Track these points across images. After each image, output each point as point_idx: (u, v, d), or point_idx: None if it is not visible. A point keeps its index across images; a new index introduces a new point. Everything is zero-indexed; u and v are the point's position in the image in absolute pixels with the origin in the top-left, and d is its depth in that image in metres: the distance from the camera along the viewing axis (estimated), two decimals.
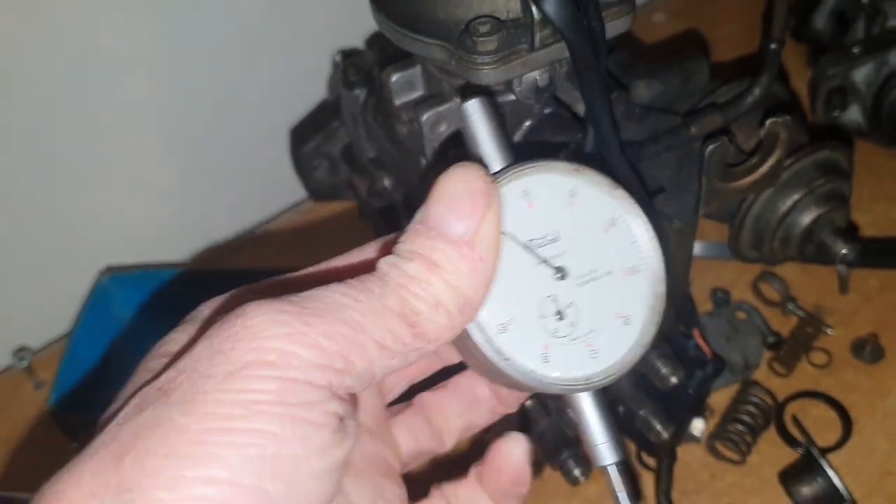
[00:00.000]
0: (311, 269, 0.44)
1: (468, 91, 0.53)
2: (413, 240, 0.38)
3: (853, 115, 0.88)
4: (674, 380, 0.68)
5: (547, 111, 0.59)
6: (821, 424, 0.81)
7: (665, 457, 0.78)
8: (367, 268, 0.39)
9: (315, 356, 0.35)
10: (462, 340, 0.41)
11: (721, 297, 0.88)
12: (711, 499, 0.77)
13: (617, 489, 0.45)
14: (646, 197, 0.56)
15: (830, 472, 0.72)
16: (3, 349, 0.88)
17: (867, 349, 0.84)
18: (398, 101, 0.66)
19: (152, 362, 0.39)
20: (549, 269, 0.41)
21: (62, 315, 0.91)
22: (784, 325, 0.87)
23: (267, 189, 0.98)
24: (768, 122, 0.56)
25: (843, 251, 0.72)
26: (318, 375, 0.35)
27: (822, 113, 0.88)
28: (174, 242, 0.97)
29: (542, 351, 0.40)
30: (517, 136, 0.60)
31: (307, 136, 0.88)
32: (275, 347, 0.34)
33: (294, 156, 0.90)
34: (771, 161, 0.58)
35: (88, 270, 0.91)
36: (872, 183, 0.95)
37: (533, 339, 0.40)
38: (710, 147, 0.55)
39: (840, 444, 0.79)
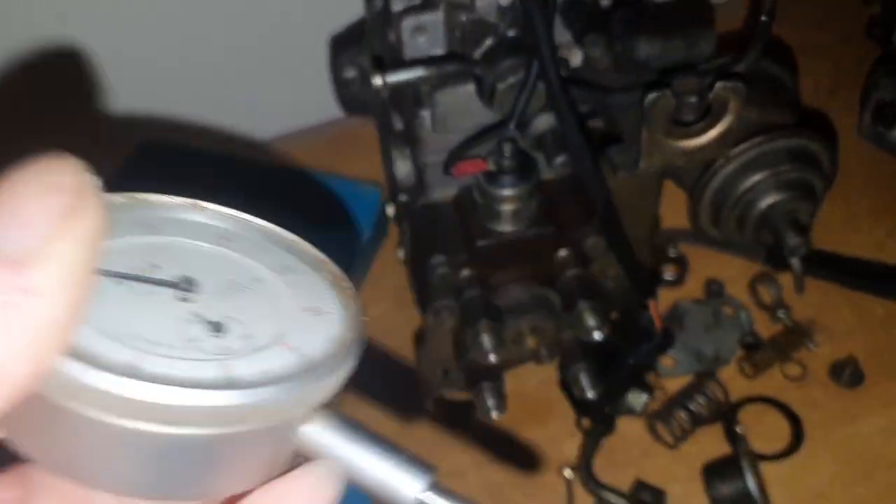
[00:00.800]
0: None
1: None
2: None
3: None
4: (596, 335, 0.68)
5: (511, 34, 0.60)
6: (772, 433, 0.79)
7: (598, 422, 0.78)
8: None
9: None
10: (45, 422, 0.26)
11: (714, 289, 0.87)
12: (634, 474, 0.77)
13: None
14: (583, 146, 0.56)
15: (749, 476, 0.70)
16: None
17: (846, 372, 0.81)
18: (395, 8, 0.68)
19: None
20: (170, 290, 0.31)
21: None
22: (770, 330, 0.85)
23: (305, 99, 1.01)
24: (717, 85, 0.55)
25: (793, 243, 0.69)
26: None
27: (868, 124, 0.84)
28: (212, 127, 1.02)
29: (222, 373, 0.28)
30: (477, 54, 0.61)
31: (346, 45, 0.91)
32: None
33: (330, 65, 0.93)
34: (720, 128, 0.57)
35: (123, 138, 0.97)
36: None
37: (197, 367, 0.28)
38: (651, 97, 0.55)
39: (782, 455, 0.77)
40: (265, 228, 0.36)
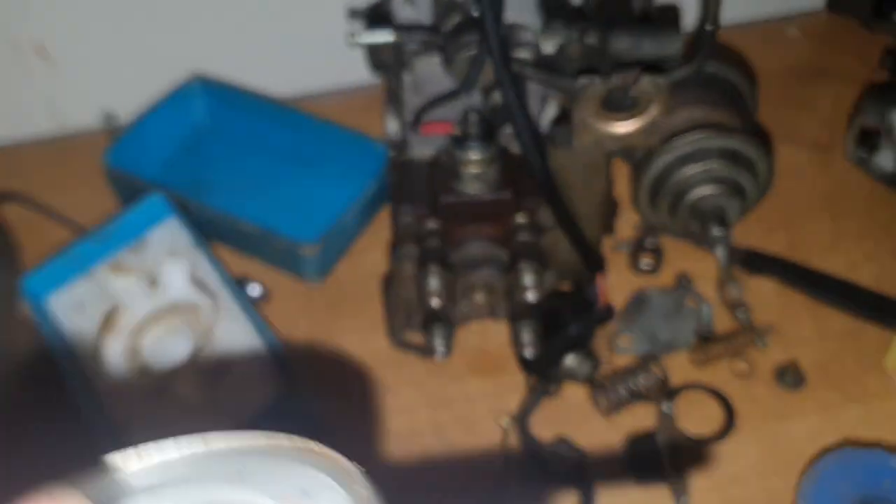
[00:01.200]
0: None
1: None
2: None
3: (884, 161, 0.88)
4: (531, 295, 0.75)
5: (474, 14, 0.67)
6: (706, 420, 0.84)
7: (541, 381, 0.85)
8: None
9: None
10: None
11: (683, 282, 0.92)
12: (567, 433, 0.83)
13: None
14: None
15: (662, 451, 0.76)
16: (95, 111, 1.08)
17: (789, 375, 0.85)
18: None
19: None
20: None
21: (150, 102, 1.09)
22: (728, 327, 0.90)
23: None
24: (643, 79, 0.61)
25: (716, 234, 0.74)
26: None
27: (851, 147, 0.87)
28: (268, 75, 1.11)
29: None
30: (446, 28, 0.69)
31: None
32: None
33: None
34: (645, 118, 0.63)
35: (178, 70, 1.07)
36: (888, 240, 0.94)
37: None
38: (581, 81, 0.61)
39: (710, 439, 0.82)
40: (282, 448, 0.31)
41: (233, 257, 0.98)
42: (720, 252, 0.78)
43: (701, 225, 0.77)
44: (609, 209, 0.81)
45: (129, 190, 0.98)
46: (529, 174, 0.71)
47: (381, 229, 0.99)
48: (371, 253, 0.98)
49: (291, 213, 0.99)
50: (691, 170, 0.75)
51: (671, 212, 0.79)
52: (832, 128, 1.06)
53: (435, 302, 0.75)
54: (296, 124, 1.04)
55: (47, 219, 1.01)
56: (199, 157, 1.08)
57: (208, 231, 0.93)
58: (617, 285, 0.92)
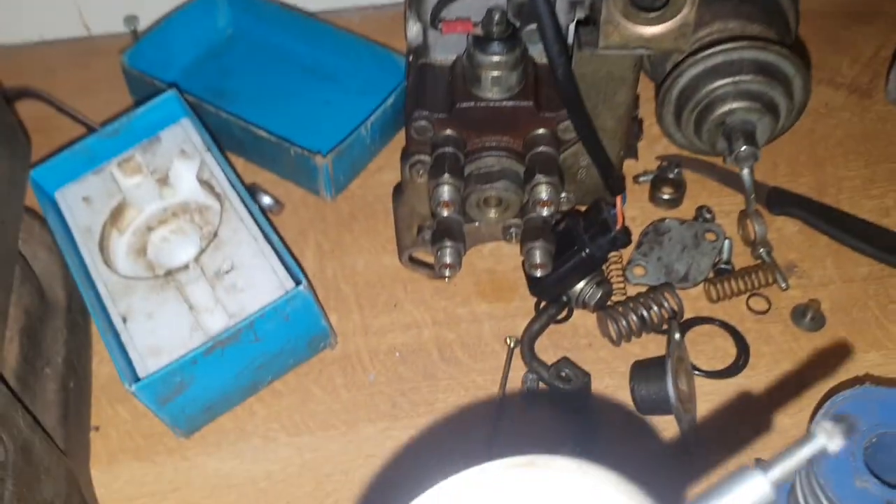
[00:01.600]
0: None
1: None
2: None
3: None
4: (545, 211, 0.72)
5: None
6: (718, 355, 0.82)
7: (550, 304, 0.82)
8: None
9: None
10: None
11: (703, 214, 0.89)
12: (573, 359, 0.81)
13: None
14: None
15: (669, 378, 0.73)
16: (118, 14, 1.06)
17: (808, 316, 0.83)
18: None
19: None
20: None
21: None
22: (746, 264, 0.87)
23: None
24: None
25: (744, 152, 0.71)
26: None
27: (893, 89, 0.83)
28: None
29: None
30: None
31: None
32: None
33: None
34: (677, 20, 0.60)
35: None
36: None
37: None
38: None
39: (721, 374, 0.80)
40: None
41: (246, 169, 0.97)
42: (746, 173, 0.74)
43: (728, 142, 0.73)
44: (632, 128, 0.78)
45: (147, 94, 0.96)
46: (553, 82, 0.68)
47: (398, 150, 0.97)
48: (387, 172, 0.96)
49: (309, 124, 0.97)
50: (721, 82, 0.71)
51: (697, 128, 0.76)
52: (874, 71, 1.02)
53: (446, 212, 0.73)
54: (319, 37, 1.02)
55: (64, 118, 1.00)
56: (220, 65, 1.06)
57: (223, 139, 0.92)
58: (635, 218, 0.90)
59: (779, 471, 0.31)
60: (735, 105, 0.72)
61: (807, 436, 0.32)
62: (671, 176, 0.90)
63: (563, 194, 0.75)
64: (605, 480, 0.33)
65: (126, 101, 1.01)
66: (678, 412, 0.74)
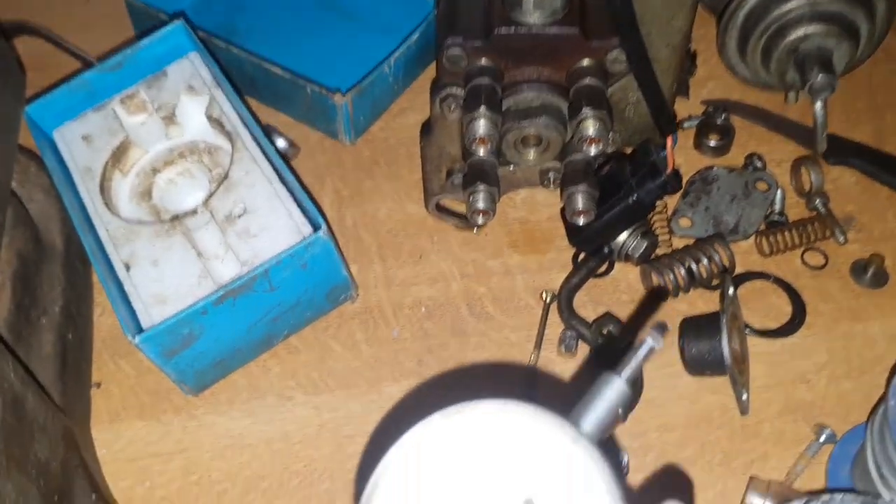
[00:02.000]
0: None
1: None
2: None
3: None
4: (594, 148, 0.66)
5: None
6: (772, 313, 0.76)
7: (590, 256, 0.76)
8: None
9: None
10: None
11: (754, 162, 0.82)
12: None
13: None
14: None
15: (723, 336, 0.67)
16: None
17: (870, 272, 0.76)
18: None
19: None
20: None
21: None
22: (802, 216, 0.80)
23: None
24: None
25: (820, 83, 0.64)
26: None
27: None
28: None
29: None
30: None
31: None
32: None
33: None
34: None
35: None
36: None
37: None
38: None
39: (776, 333, 0.73)
40: None
41: (259, 111, 0.90)
42: (819, 107, 0.67)
43: (801, 71, 0.66)
44: (685, 62, 0.71)
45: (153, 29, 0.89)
46: (606, 6, 0.61)
47: (423, 90, 0.90)
48: (410, 115, 0.89)
49: (327, 63, 0.90)
50: (795, 3, 0.64)
51: (765, 57, 0.68)
52: None
53: (482, 150, 0.66)
54: None
55: (63, 55, 0.93)
56: (231, 0, 0.98)
57: (234, 79, 0.84)
58: (680, 165, 0.83)
59: (628, 370, 0.43)
60: (810, 29, 0.65)
61: (641, 342, 0.42)
62: (718, 122, 0.83)
63: (610, 133, 0.68)
64: (524, 413, 0.41)
65: (130, 38, 0.94)
66: (732, 373, 0.67)
